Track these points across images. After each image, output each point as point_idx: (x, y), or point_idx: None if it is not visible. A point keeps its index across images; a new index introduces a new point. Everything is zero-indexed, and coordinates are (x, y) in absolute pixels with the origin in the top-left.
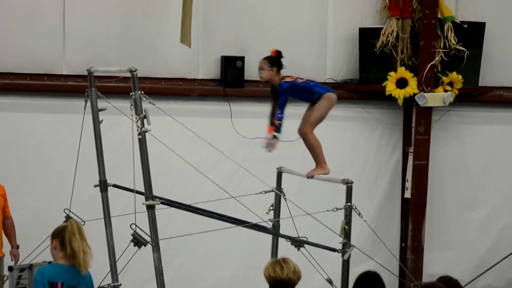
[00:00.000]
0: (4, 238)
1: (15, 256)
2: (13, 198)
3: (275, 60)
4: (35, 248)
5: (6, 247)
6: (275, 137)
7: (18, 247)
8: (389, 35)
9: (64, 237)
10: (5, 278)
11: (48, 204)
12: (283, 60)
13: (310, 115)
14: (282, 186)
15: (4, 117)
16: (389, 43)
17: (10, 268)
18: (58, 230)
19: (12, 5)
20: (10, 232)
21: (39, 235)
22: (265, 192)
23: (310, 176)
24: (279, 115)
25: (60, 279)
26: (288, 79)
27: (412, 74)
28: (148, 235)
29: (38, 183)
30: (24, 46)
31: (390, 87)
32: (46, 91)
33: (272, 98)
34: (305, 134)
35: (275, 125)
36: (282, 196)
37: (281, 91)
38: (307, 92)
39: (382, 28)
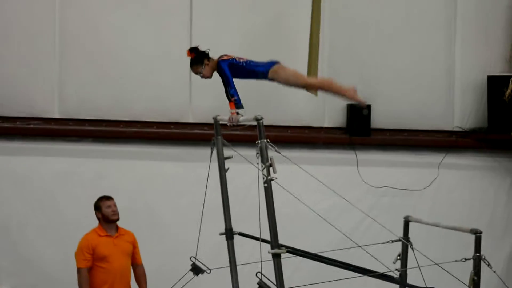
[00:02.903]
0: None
1: None
2: (141, 246)
3: (198, 57)
4: None
5: None
6: (238, 113)
7: None
8: None
9: None
10: None
11: (175, 251)
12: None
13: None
14: (409, 235)
15: (132, 165)
16: None
17: None
18: None
19: (140, 54)
20: (140, 281)
21: (166, 283)
22: (392, 241)
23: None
24: (231, 91)
25: None
26: (225, 58)
27: None
28: (274, 284)
29: (164, 231)
30: (151, 95)
31: None
32: (173, 139)
33: (223, 82)
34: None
35: (233, 101)
36: (409, 246)
37: (219, 70)
38: (250, 73)
39: (511, 76)
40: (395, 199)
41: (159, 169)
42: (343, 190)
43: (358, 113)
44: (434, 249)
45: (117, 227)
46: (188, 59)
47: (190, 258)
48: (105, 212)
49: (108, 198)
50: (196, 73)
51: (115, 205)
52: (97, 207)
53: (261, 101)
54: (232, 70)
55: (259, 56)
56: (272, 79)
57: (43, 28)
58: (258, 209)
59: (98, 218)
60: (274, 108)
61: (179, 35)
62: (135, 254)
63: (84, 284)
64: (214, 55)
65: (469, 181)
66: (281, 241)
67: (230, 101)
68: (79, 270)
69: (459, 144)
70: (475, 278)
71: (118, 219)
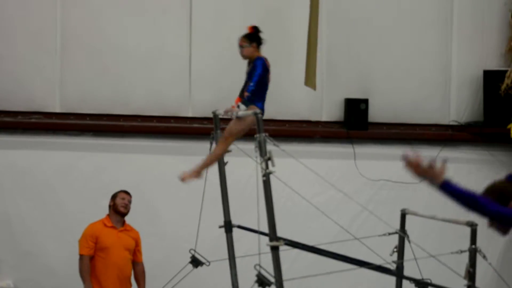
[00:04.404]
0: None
1: None
2: (140, 238)
3: (253, 36)
4: None
5: None
6: (239, 106)
7: None
8: None
9: None
10: None
11: (174, 244)
12: (262, 35)
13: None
14: (406, 227)
15: (132, 159)
16: None
17: None
18: None
19: (140, 49)
20: (139, 279)
21: (165, 275)
22: (389, 234)
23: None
24: (250, 87)
25: None
26: (266, 62)
27: None
28: (272, 276)
29: (164, 224)
30: (151, 89)
31: None
32: (172, 133)
33: (247, 74)
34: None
35: (243, 96)
36: (406, 238)
37: (255, 62)
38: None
39: (506, 70)
40: (392, 192)
41: (159, 163)
42: (341, 183)
43: (355, 107)
44: (430, 241)
45: (123, 222)
46: (187, 55)
47: (189, 251)
48: (117, 201)
49: (127, 192)
50: (240, 45)
51: (129, 201)
52: (113, 196)
53: None
54: (264, 73)
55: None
56: None
57: (45, 23)
58: (257, 202)
59: (109, 206)
60: (273, 103)
61: (178, 30)
62: (136, 252)
63: (85, 271)
64: (214, 52)
65: (465, 174)
66: (279, 233)
67: (240, 95)
68: (81, 257)
69: (455, 138)
70: (471, 270)
71: (125, 213)
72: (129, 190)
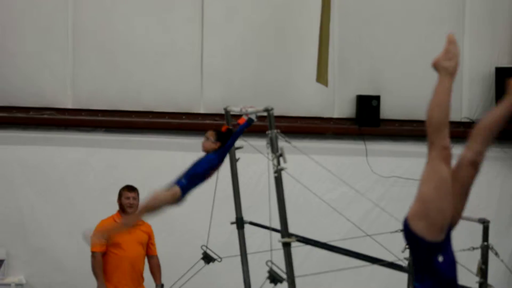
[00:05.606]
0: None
1: None
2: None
3: (223, 136)
4: (172, 284)
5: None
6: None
7: (162, 286)
8: None
9: None
10: None
11: (186, 241)
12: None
13: None
14: None
15: (144, 155)
16: None
17: None
18: None
19: (151, 45)
20: (155, 272)
21: (177, 271)
22: (401, 230)
23: None
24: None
25: None
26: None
27: None
28: (284, 272)
29: (176, 220)
30: (163, 86)
31: None
32: (184, 129)
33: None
34: None
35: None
36: None
37: (209, 158)
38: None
39: None
40: (404, 189)
41: (170, 159)
42: (353, 180)
43: (367, 104)
44: None
45: None
46: (199, 51)
47: (201, 247)
48: (123, 202)
49: (130, 189)
50: (206, 137)
51: (134, 198)
52: (119, 195)
53: (272, 92)
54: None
55: (268, 49)
56: None
57: (57, 20)
58: (269, 199)
59: (118, 205)
60: (285, 99)
61: (190, 26)
62: (150, 245)
63: (97, 268)
64: (226, 48)
65: None
66: (291, 230)
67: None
68: (93, 254)
69: (467, 134)
70: (483, 266)
71: (133, 212)
72: (140, 186)
